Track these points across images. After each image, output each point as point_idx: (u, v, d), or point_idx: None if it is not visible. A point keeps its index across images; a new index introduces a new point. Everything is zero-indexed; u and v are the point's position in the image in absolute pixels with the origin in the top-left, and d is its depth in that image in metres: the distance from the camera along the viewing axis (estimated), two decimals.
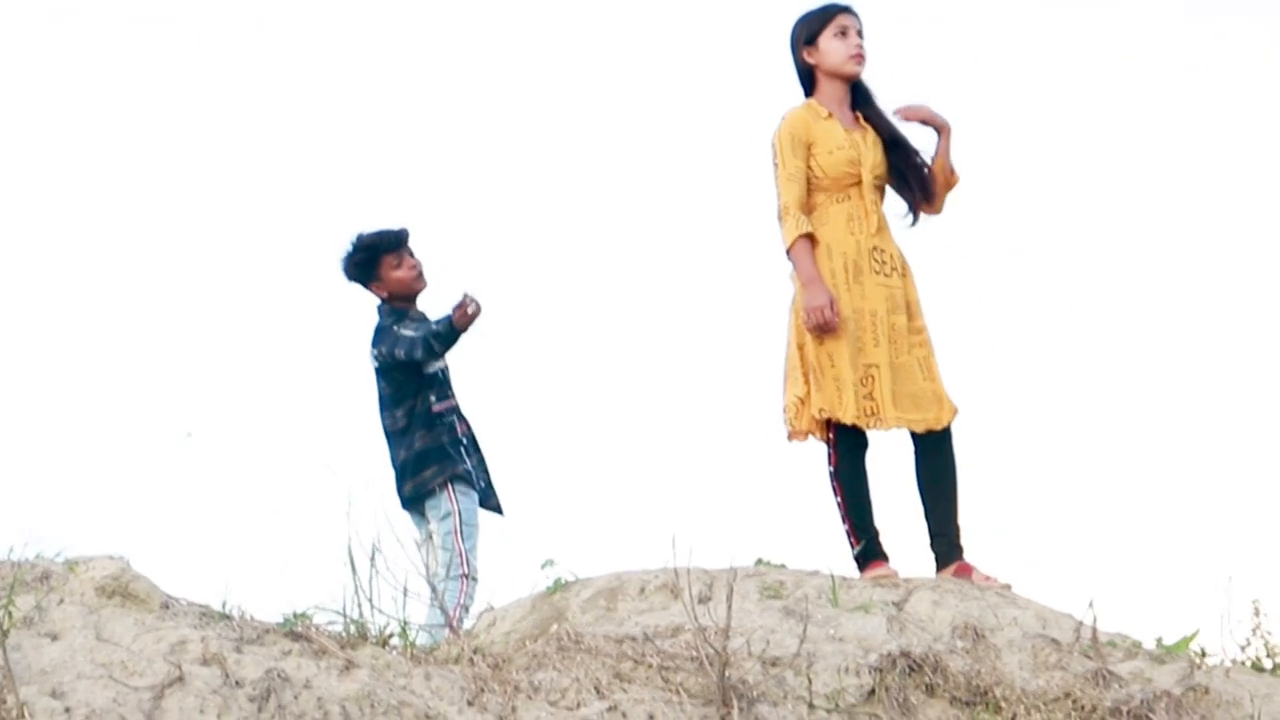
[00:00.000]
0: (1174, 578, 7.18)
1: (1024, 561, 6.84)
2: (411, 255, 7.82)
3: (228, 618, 5.29)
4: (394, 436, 7.82)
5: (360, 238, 7.91)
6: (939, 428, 6.68)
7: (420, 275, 7.83)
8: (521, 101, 13.61)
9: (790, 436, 6.72)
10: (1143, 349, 11.80)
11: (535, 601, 6.67)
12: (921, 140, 6.98)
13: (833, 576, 6.04)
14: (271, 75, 13.61)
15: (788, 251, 6.75)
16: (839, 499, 6.61)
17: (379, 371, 7.85)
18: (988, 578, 6.48)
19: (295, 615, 5.28)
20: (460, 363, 7.97)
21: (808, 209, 6.78)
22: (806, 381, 6.67)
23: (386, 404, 7.83)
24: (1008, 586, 6.46)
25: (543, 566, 6.71)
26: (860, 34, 6.89)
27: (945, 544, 6.59)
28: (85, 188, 13.17)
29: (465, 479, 7.67)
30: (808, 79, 6.97)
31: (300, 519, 6.03)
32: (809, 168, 6.79)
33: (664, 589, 6.52)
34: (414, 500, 7.75)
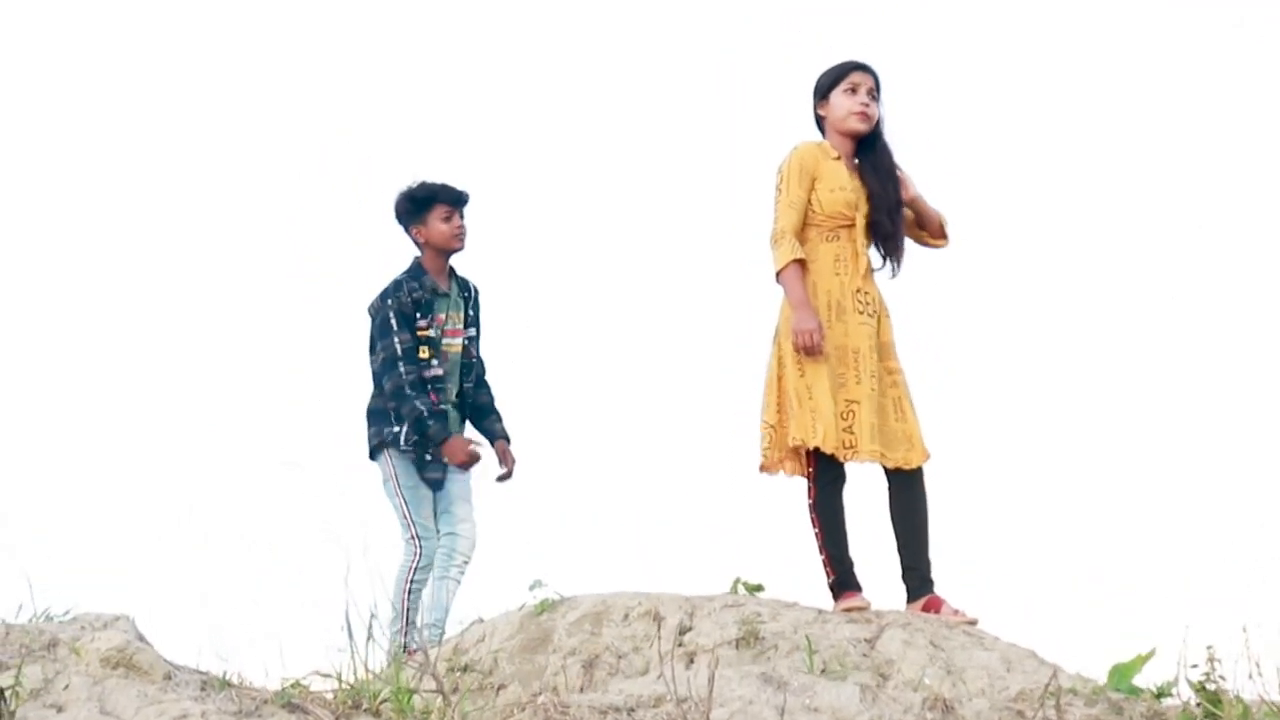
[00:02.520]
0: (1133, 623, 7.43)
1: (990, 592, 7.08)
2: (462, 218, 7.99)
3: (229, 685, 5.50)
4: (374, 378, 8.00)
5: (425, 182, 8.05)
6: (908, 469, 6.89)
7: (460, 238, 7.99)
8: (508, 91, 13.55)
9: (761, 468, 6.93)
10: (1105, 382, 11.93)
11: (523, 620, 6.93)
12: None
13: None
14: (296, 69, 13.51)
15: (778, 275, 6.91)
16: (816, 530, 6.83)
17: (370, 311, 7.99)
18: (956, 612, 6.73)
19: (292, 685, 5.50)
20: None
21: (800, 241, 6.93)
22: (779, 410, 6.87)
23: (372, 346, 8.00)
24: (974, 621, 6.72)
25: (531, 588, 6.97)
26: (873, 93, 7.03)
27: (917, 578, 6.83)
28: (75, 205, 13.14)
29: (394, 443, 7.82)
30: (822, 130, 7.19)
31: (300, 583, 6.22)
32: (809, 200, 6.95)
33: (646, 615, 6.78)
34: (372, 454, 7.94)
